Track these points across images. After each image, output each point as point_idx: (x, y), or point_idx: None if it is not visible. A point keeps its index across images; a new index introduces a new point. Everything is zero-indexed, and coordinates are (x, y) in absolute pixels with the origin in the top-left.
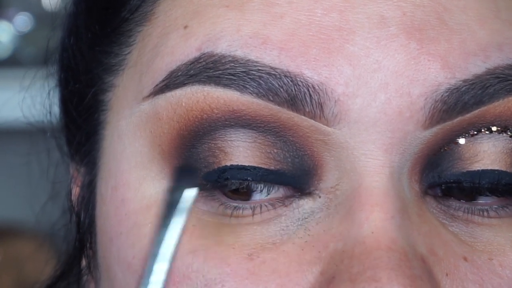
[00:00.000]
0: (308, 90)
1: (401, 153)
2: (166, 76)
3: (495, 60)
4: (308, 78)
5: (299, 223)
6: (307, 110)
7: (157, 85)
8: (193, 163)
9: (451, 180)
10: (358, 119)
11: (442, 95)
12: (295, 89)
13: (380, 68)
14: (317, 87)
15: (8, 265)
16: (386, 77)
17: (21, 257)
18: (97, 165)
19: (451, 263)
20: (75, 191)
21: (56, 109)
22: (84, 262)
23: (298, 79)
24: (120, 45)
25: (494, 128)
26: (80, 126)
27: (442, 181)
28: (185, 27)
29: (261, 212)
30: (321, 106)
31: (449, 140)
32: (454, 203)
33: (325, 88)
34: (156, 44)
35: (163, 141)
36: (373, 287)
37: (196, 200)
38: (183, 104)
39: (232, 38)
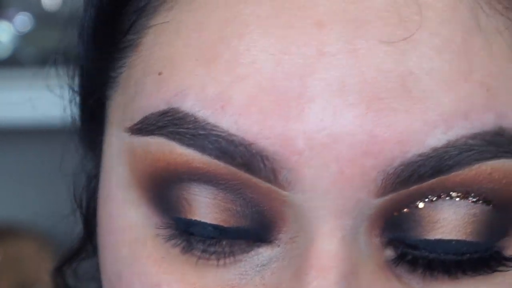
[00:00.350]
0: (262, 158)
1: (354, 217)
2: (140, 121)
3: (459, 130)
4: (262, 148)
5: (257, 269)
6: (262, 175)
7: (133, 125)
8: (166, 203)
9: (411, 244)
10: (311, 187)
11: (395, 169)
12: (249, 156)
13: (335, 140)
14: (270, 157)
15: (8, 265)
16: (340, 149)
17: (21, 257)
18: (100, 165)
19: None
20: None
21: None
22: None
23: (253, 148)
24: (117, 61)
25: (454, 194)
26: (91, 122)
27: (402, 242)
28: (160, 73)
29: (224, 257)
30: (275, 174)
31: (409, 202)
32: (407, 269)
33: (279, 158)
34: (138, 80)
35: (139, 175)
36: None
37: (166, 234)
38: (152, 152)
39: (197, 97)
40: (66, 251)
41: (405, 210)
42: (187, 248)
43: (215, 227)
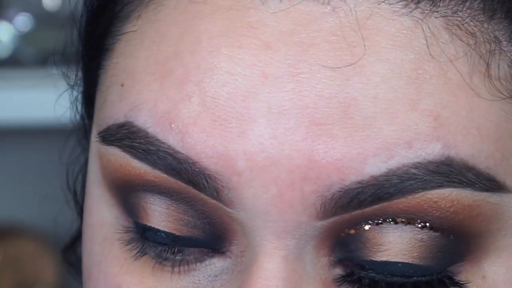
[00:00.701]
0: (205, 177)
1: (297, 238)
2: (104, 130)
3: (400, 159)
4: (205, 167)
5: (210, 279)
6: (207, 193)
7: (99, 132)
8: (128, 207)
9: (358, 264)
10: (251, 207)
11: (333, 195)
12: (193, 175)
13: (274, 163)
14: (213, 176)
15: (8, 265)
16: (279, 172)
17: (21, 257)
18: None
19: None
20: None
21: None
22: None
23: (197, 166)
24: (99, 62)
25: (399, 220)
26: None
27: (350, 262)
28: (122, 84)
29: (179, 265)
30: (217, 192)
31: (353, 225)
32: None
33: (221, 178)
34: (107, 87)
35: (107, 178)
36: None
37: (129, 237)
38: (111, 162)
39: (149, 113)
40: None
41: (351, 231)
42: (141, 253)
43: (168, 235)
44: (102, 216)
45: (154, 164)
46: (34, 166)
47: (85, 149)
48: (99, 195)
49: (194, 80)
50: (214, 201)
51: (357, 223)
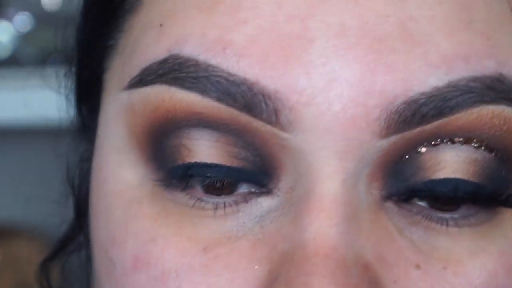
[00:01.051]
0: (264, 97)
1: (357, 160)
2: (140, 73)
3: (459, 72)
4: (264, 86)
5: (256, 220)
6: (263, 116)
7: (132, 79)
8: (161, 156)
9: (415, 189)
10: (312, 127)
11: (398, 107)
12: (251, 96)
13: (336, 78)
14: (272, 96)
15: (8, 265)
16: (341, 87)
17: (21, 257)
18: (94, 144)
19: (401, 270)
20: (82, 167)
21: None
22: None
23: (255, 87)
24: (113, 30)
25: (456, 139)
26: (90, 103)
27: (406, 190)
28: (161, 25)
29: (224, 207)
30: (276, 114)
31: (411, 148)
32: (415, 208)
33: (280, 97)
34: (137, 37)
35: (137, 132)
36: None
37: (162, 190)
38: (151, 102)
39: (197, 41)
40: (54, 244)
41: (406, 156)
42: (183, 198)
43: (217, 166)
44: (124, 181)
45: (204, 92)
46: (34, 166)
47: (85, 142)
48: (120, 161)
49: (248, 6)
50: (269, 127)
51: (414, 146)
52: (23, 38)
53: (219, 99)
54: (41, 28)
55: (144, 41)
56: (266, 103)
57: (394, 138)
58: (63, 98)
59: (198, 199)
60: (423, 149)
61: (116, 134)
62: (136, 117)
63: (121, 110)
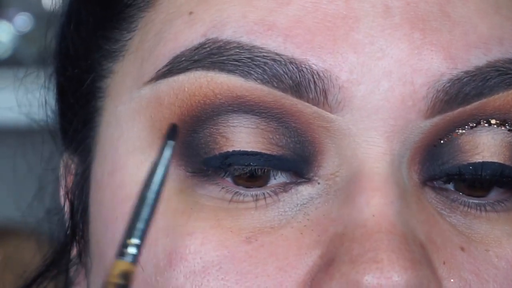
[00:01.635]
0: (313, 77)
1: (402, 141)
2: (169, 61)
3: (496, 53)
4: (313, 65)
5: (298, 208)
6: (310, 96)
7: (159, 70)
8: (193, 148)
9: (452, 173)
10: (361, 106)
11: (444, 85)
12: (299, 76)
13: (384, 56)
14: (321, 74)
15: (8, 265)
16: (389, 65)
17: (21, 257)
18: (92, 152)
19: (448, 252)
20: (69, 179)
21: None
22: (75, 251)
23: (303, 65)
24: (122, 31)
25: (493, 121)
26: (77, 113)
27: (443, 173)
28: (190, 13)
29: (264, 198)
30: (325, 93)
31: (449, 131)
32: (452, 195)
33: (330, 75)
34: (160, 30)
35: (163, 125)
36: (374, 268)
37: (193, 184)
38: (186, 89)
39: (238, 24)
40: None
41: (445, 139)
42: (219, 192)
43: (257, 154)
44: None
45: (247, 74)
46: (34, 166)
47: (77, 157)
48: (140, 161)
49: None
50: (315, 108)
51: (453, 128)
52: (23, 38)
53: (263, 81)
54: (41, 28)
55: (170, 32)
56: (315, 83)
57: (437, 119)
58: (43, 95)
59: (235, 192)
60: (461, 131)
61: (133, 133)
62: (164, 109)
63: (140, 107)
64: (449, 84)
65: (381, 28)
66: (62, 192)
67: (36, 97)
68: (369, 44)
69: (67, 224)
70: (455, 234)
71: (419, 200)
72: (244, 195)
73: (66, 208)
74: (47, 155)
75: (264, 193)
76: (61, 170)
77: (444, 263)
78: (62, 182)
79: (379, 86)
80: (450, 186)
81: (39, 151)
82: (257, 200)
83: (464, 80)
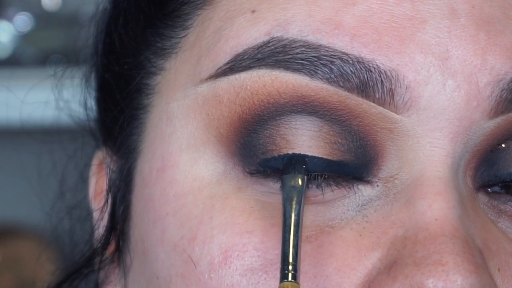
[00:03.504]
0: (380, 76)
1: (464, 143)
2: (231, 59)
3: None
4: (380, 65)
5: (358, 209)
6: (377, 96)
7: (220, 67)
8: (251, 149)
9: (508, 180)
10: (427, 106)
11: (508, 84)
12: (367, 75)
13: (450, 57)
14: (389, 74)
15: (8, 265)
16: (455, 66)
17: (21, 257)
18: (137, 149)
19: (502, 259)
20: (109, 176)
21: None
22: (111, 249)
23: (371, 65)
24: (176, 28)
25: None
26: (124, 110)
27: (498, 180)
28: (253, 11)
29: (332, 191)
30: (392, 93)
31: (509, 135)
32: (504, 197)
33: (397, 75)
34: (220, 27)
35: (221, 124)
36: (440, 271)
37: (253, 182)
38: (248, 87)
39: (304, 23)
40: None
41: (502, 145)
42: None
43: (318, 159)
44: (200, 178)
45: (314, 73)
46: (34, 166)
47: (118, 158)
48: (193, 158)
49: None
50: (380, 108)
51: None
52: (23, 38)
53: (329, 81)
54: (41, 28)
55: (232, 29)
56: (382, 82)
57: (500, 119)
58: (63, 98)
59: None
60: None
61: (187, 131)
62: (223, 107)
63: (196, 105)
64: None
65: (447, 30)
66: (92, 191)
67: (37, 97)
68: (435, 44)
69: (101, 222)
70: (507, 241)
71: (474, 206)
72: (309, 187)
73: (107, 204)
74: (46, 156)
75: (331, 184)
76: (95, 168)
77: (499, 270)
78: (95, 180)
79: (446, 86)
80: (508, 190)
81: (39, 151)
82: (324, 193)
83: None
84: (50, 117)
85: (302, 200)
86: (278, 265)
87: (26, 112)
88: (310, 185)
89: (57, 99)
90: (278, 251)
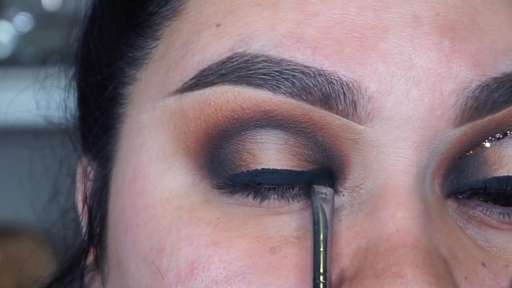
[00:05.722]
0: (342, 88)
1: (430, 152)
2: (196, 75)
3: None
4: (342, 76)
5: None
6: (340, 108)
7: (185, 82)
8: (219, 163)
9: (477, 186)
10: (391, 116)
11: (473, 92)
12: (329, 88)
13: (413, 66)
14: (351, 85)
15: (8, 265)
16: (418, 74)
17: (21, 257)
18: (112, 158)
19: (470, 267)
20: (87, 185)
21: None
22: (91, 257)
23: (332, 77)
24: (146, 39)
25: None
26: (98, 119)
27: (468, 187)
28: (218, 25)
29: (299, 201)
30: (355, 104)
31: (476, 142)
32: (474, 201)
33: (359, 86)
34: (187, 40)
35: (188, 138)
36: (399, 283)
37: (220, 194)
38: (212, 103)
39: (266, 38)
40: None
41: (470, 152)
42: (246, 198)
43: (288, 172)
44: (169, 189)
45: (276, 88)
46: (34, 166)
47: (96, 162)
48: (163, 170)
49: (314, 1)
50: (344, 120)
51: (481, 139)
52: (23, 38)
53: (292, 95)
54: (41, 28)
55: (198, 43)
56: (344, 94)
57: (466, 127)
58: (63, 98)
59: (263, 196)
60: (488, 144)
61: (156, 143)
62: (189, 122)
63: (164, 117)
64: (478, 91)
65: (410, 38)
66: (78, 197)
67: (37, 97)
68: (398, 53)
69: (84, 229)
70: (475, 248)
71: (441, 214)
72: (273, 198)
73: (84, 213)
74: (46, 156)
75: (294, 197)
76: (79, 175)
77: (466, 278)
78: (80, 187)
79: (409, 95)
80: (477, 197)
81: (39, 151)
82: (290, 204)
83: (493, 86)
84: (52, 117)
85: (331, 215)
86: (242, 277)
87: (27, 112)
88: (276, 196)
89: (61, 99)
90: (242, 263)
